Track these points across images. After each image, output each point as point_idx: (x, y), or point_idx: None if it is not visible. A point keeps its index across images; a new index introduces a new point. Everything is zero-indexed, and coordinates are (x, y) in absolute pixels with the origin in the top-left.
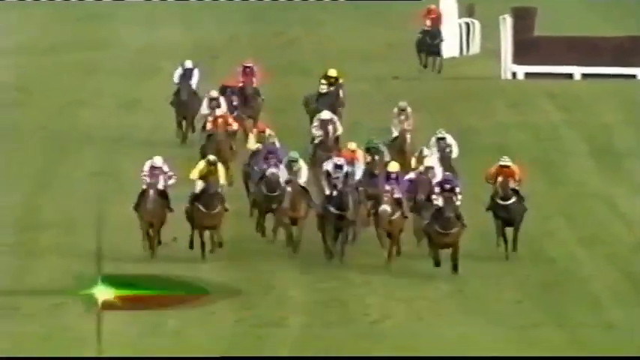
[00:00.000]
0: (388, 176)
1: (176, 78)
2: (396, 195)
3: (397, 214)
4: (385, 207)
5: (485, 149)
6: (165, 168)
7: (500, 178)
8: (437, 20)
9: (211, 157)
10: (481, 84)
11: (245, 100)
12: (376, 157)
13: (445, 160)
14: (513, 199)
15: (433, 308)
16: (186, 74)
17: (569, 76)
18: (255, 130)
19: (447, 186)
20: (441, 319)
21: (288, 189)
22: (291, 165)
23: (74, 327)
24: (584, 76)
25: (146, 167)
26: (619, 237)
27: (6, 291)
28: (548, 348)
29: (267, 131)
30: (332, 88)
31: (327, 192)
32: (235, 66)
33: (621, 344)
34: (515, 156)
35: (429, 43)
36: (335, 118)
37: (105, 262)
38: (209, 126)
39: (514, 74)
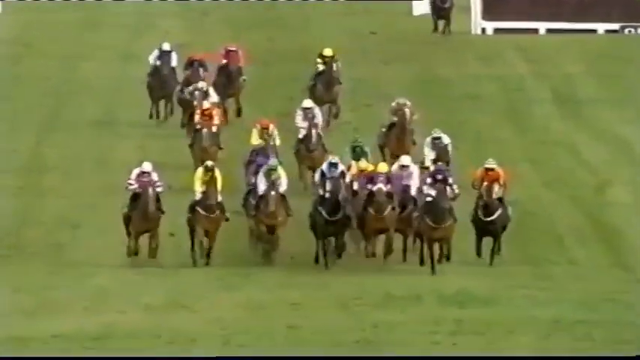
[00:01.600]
0: (373, 179)
1: (152, 59)
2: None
3: (389, 209)
4: (382, 198)
5: (457, 99)
6: (155, 176)
7: (485, 184)
8: None
9: (209, 164)
10: (453, 38)
11: (228, 78)
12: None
13: (442, 156)
14: (497, 214)
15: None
16: (164, 56)
17: (535, 31)
18: (258, 126)
19: (439, 177)
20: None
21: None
22: (270, 173)
23: (77, 263)
24: (549, 31)
25: (133, 174)
26: (581, 180)
27: (13, 230)
28: (516, 282)
29: (271, 127)
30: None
31: (321, 192)
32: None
33: (583, 279)
34: (484, 105)
35: (439, 7)
36: (317, 108)
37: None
38: (196, 118)
39: (483, 30)
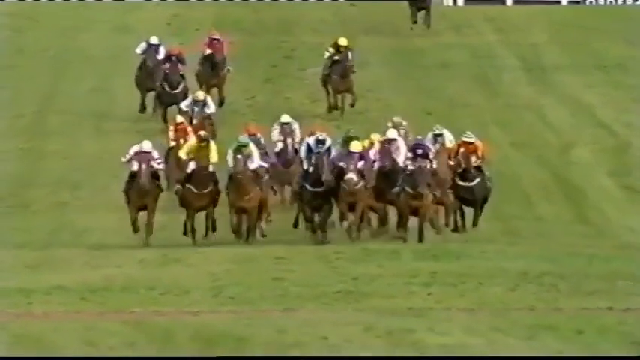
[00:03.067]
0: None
1: (139, 50)
2: (360, 167)
3: (361, 185)
4: (351, 175)
5: (430, 66)
6: (155, 154)
7: (461, 150)
8: None
9: (202, 134)
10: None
11: (212, 68)
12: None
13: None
14: (477, 180)
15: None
16: (150, 49)
17: (503, 2)
18: (246, 134)
19: (420, 151)
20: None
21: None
22: (240, 150)
23: (78, 221)
24: (516, 2)
25: (132, 151)
26: (547, 142)
27: (17, 190)
28: (487, 237)
29: (258, 135)
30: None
31: (305, 167)
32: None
33: (549, 234)
34: (455, 72)
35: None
36: (295, 124)
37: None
38: (171, 135)
39: (455, 1)
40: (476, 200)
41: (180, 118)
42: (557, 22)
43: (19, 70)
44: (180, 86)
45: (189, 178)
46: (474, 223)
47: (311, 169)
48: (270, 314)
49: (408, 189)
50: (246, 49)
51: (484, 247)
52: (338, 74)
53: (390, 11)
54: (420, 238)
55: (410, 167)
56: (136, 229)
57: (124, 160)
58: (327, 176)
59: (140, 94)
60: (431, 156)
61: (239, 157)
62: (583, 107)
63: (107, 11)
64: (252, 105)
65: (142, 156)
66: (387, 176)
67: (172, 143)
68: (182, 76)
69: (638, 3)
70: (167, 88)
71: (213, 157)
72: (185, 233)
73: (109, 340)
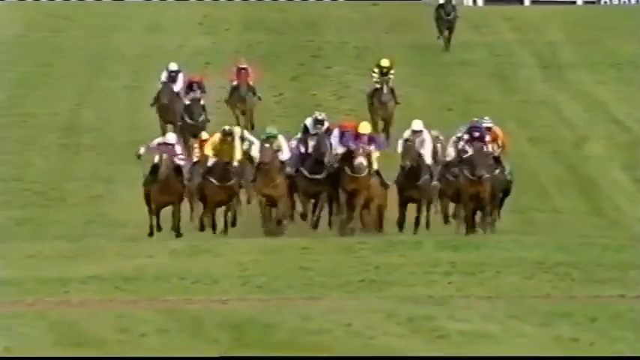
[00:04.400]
0: (358, 137)
1: (163, 78)
2: (374, 153)
3: (366, 172)
4: (360, 159)
5: (450, 64)
6: (178, 149)
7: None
8: None
9: (227, 128)
10: None
11: (239, 98)
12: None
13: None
14: (496, 173)
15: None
16: (171, 77)
17: (521, 2)
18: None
19: (476, 134)
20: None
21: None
22: (269, 140)
23: (111, 213)
24: (533, 2)
25: (154, 142)
26: (562, 137)
27: (55, 184)
28: (503, 230)
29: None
30: (386, 84)
31: (302, 150)
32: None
33: (564, 225)
34: (474, 70)
35: (443, 18)
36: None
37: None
38: (196, 151)
39: (474, 1)
40: (493, 194)
41: (205, 135)
42: (572, 22)
43: (56, 69)
44: (202, 117)
45: (209, 171)
46: (494, 216)
47: (311, 152)
48: (296, 302)
49: (467, 173)
50: (273, 48)
51: (502, 238)
52: (378, 102)
53: (411, 11)
54: (483, 227)
55: (468, 150)
56: (153, 231)
57: (142, 150)
58: (330, 159)
59: (160, 123)
60: (487, 138)
61: (267, 145)
62: (597, 103)
63: (140, 10)
64: (280, 102)
65: (165, 148)
66: (411, 174)
67: (196, 158)
68: (203, 107)
69: None
70: (188, 119)
71: (238, 153)
72: (202, 229)
73: (142, 327)
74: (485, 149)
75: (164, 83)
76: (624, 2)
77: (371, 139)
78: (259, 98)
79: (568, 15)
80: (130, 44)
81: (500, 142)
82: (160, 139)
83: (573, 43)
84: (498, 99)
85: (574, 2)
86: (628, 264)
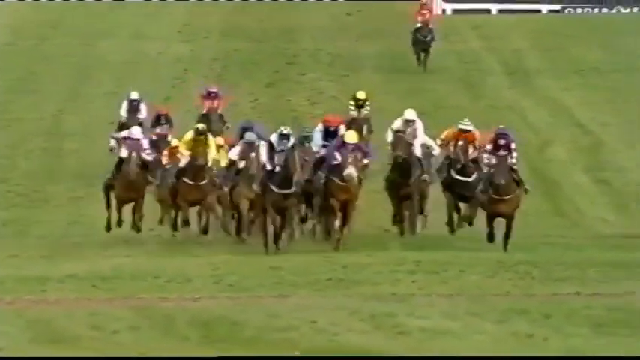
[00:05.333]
0: (344, 146)
1: (123, 112)
2: (364, 162)
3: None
4: (351, 170)
5: (420, 70)
6: (145, 143)
7: (460, 142)
8: (428, 17)
9: (200, 126)
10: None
11: (208, 126)
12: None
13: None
14: (475, 175)
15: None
16: (133, 106)
17: (488, 11)
18: (225, 145)
19: (502, 142)
20: None
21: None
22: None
23: (93, 215)
24: (500, 11)
25: (121, 134)
26: (527, 140)
27: (39, 186)
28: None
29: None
30: (361, 114)
31: (269, 167)
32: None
33: (527, 225)
34: (443, 76)
35: (421, 41)
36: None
37: None
38: (165, 159)
39: (444, 10)
40: (473, 196)
41: (175, 142)
42: (537, 30)
43: (43, 76)
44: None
45: (183, 171)
46: (468, 221)
47: (277, 169)
48: (265, 300)
49: (492, 193)
50: (250, 55)
51: (466, 237)
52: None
53: (383, 19)
54: (505, 247)
55: (491, 161)
56: (111, 226)
57: (113, 143)
58: (298, 176)
59: None
60: (513, 146)
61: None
62: (561, 108)
63: (125, 19)
64: (255, 107)
65: (131, 143)
66: (401, 167)
67: (168, 166)
68: (169, 144)
69: (612, 12)
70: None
71: (212, 153)
72: (175, 229)
73: (114, 324)
74: (508, 160)
75: (129, 115)
76: (587, 12)
77: (358, 149)
78: (227, 127)
79: (533, 24)
80: (115, 51)
81: (477, 143)
82: (125, 133)
83: (538, 51)
84: (467, 104)
85: (539, 11)
86: (587, 262)
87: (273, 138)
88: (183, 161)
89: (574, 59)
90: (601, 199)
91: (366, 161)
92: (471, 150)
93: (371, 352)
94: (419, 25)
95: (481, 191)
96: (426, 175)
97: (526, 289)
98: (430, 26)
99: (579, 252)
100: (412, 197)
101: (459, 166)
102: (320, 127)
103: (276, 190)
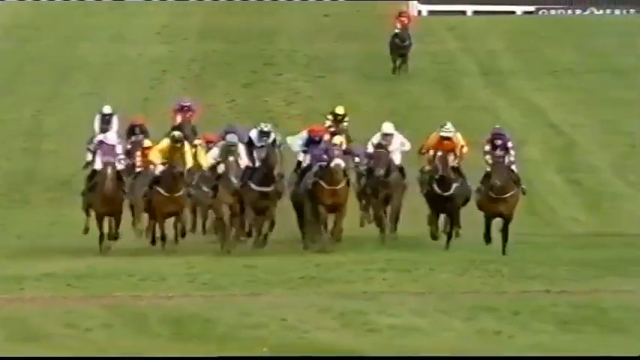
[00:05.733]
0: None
1: (96, 126)
2: (356, 160)
3: (343, 184)
4: (338, 160)
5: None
6: (119, 149)
7: (439, 153)
8: (407, 24)
9: (176, 134)
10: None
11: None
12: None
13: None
14: (456, 185)
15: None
16: (105, 120)
17: (463, 12)
18: (203, 143)
19: (499, 142)
20: None
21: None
22: (230, 150)
23: (71, 214)
24: (475, 12)
25: (95, 139)
26: None
27: (18, 186)
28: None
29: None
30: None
31: (249, 164)
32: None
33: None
34: (419, 77)
35: (399, 46)
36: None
37: None
38: (138, 161)
39: (419, 12)
40: (455, 209)
41: (147, 143)
42: (512, 31)
43: (22, 77)
44: None
45: (157, 180)
46: (456, 229)
47: (258, 165)
48: (237, 298)
49: (491, 192)
50: (228, 57)
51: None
52: None
53: (360, 22)
54: (504, 249)
55: (489, 161)
56: (88, 228)
57: (88, 157)
58: (279, 171)
59: None
60: (509, 145)
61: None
62: (535, 109)
63: (105, 21)
64: (232, 107)
65: (106, 149)
66: (379, 181)
67: (139, 169)
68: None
69: (585, 14)
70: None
71: (189, 160)
72: (153, 242)
73: (88, 322)
74: (505, 160)
75: (100, 129)
76: (561, 13)
77: (346, 152)
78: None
79: (508, 25)
80: (94, 53)
81: (457, 151)
82: (101, 137)
83: (513, 52)
84: (441, 104)
85: (514, 13)
86: (557, 261)
87: (253, 134)
88: (158, 169)
89: (548, 60)
90: (573, 198)
91: (357, 159)
92: (451, 157)
93: (339, 350)
94: (397, 30)
95: (477, 191)
96: (405, 181)
97: (496, 287)
98: (409, 32)
99: (550, 250)
100: (391, 199)
101: (437, 177)
102: (304, 134)
103: (256, 188)
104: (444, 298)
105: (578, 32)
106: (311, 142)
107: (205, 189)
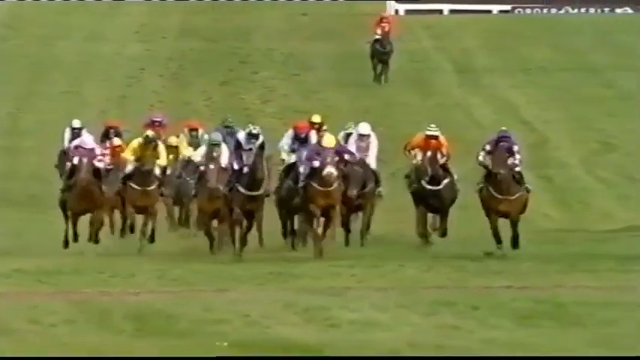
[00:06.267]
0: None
1: (66, 140)
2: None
3: (336, 185)
4: (330, 169)
5: (371, 70)
6: (98, 150)
7: (428, 154)
8: (388, 29)
9: (149, 134)
10: (371, 19)
11: None
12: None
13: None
14: (446, 182)
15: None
16: (75, 134)
17: (440, 11)
18: (185, 130)
19: (504, 144)
20: None
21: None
22: (212, 149)
23: (50, 212)
24: (451, 11)
25: (72, 144)
26: (473, 138)
27: None
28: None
29: (200, 131)
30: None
31: (236, 166)
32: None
33: (470, 220)
34: (394, 75)
35: (380, 52)
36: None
37: None
38: (107, 159)
39: (396, 11)
40: (445, 205)
41: (117, 141)
42: (488, 30)
43: (0, 75)
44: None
45: (129, 176)
46: (441, 233)
47: (246, 169)
48: (204, 294)
49: (494, 192)
50: (205, 55)
51: (405, 234)
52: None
53: (336, 20)
54: (515, 243)
55: (486, 160)
56: (68, 241)
57: (68, 149)
58: (263, 175)
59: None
60: (515, 149)
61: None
62: (508, 106)
63: (82, 20)
64: (209, 105)
65: (83, 152)
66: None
67: (110, 167)
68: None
69: (560, 12)
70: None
71: (162, 159)
72: (132, 230)
73: (51, 318)
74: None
75: (70, 143)
76: (536, 12)
77: (338, 153)
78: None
79: (484, 24)
80: (71, 52)
81: (444, 150)
82: (77, 141)
83: (488, 50)
84: (416, 102)
85: (489, 12)
86: (523, 256)
87: (241, 136)
88: (129, 167)
89: (522, 58)
90: (544, 194)
91: (347, 157)
92: (439, 156)
93: (299, 345)
94: (378, 36)
95: (480, 190)
96: (380, 189)
97: (460, 282)
98: (390, 38)
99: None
100: (364, 208)
101: (427, 177)
102: (290, 132)
103: (244, 191)
104: (406, 293)
105: (553, 31)
106: (297, 139)
107: (188, 179)
